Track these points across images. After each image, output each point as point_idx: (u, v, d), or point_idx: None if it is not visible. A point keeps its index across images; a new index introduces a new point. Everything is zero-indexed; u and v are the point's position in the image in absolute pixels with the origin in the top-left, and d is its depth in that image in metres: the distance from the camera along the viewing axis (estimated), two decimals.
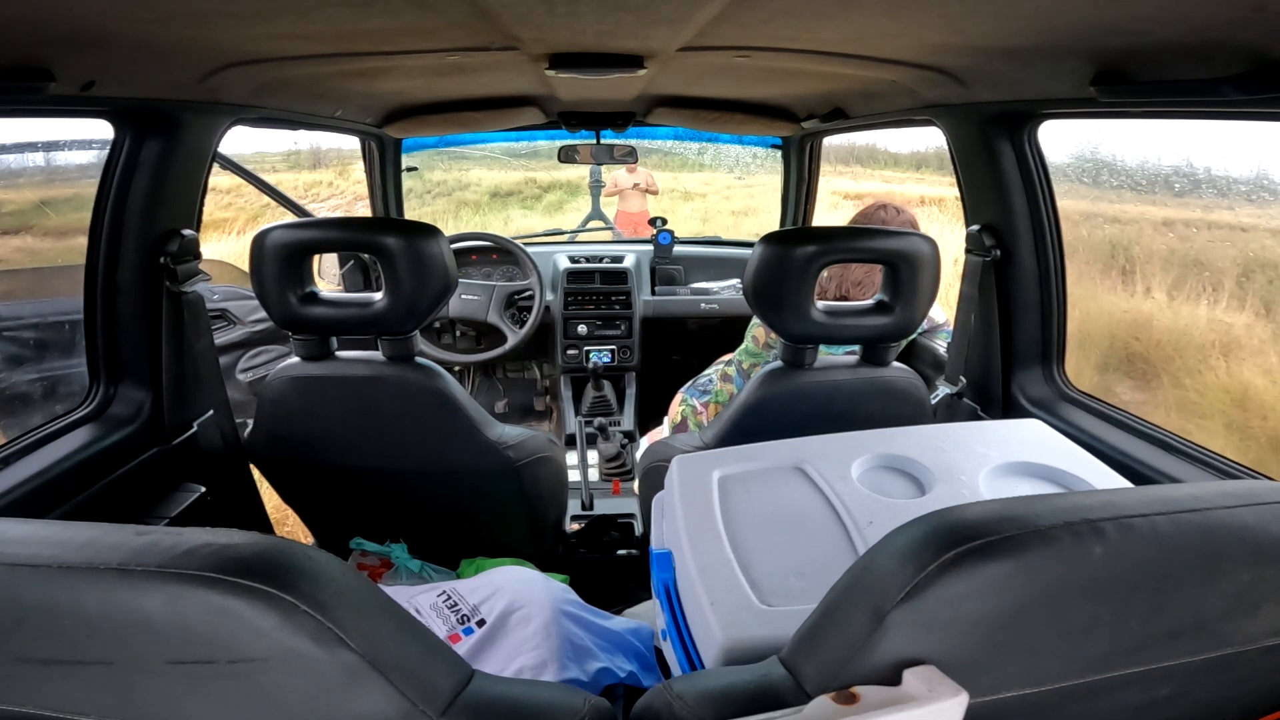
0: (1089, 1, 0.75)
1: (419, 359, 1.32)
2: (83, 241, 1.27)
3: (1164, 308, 2.51)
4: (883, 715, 0.45)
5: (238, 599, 0.41)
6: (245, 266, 1.25)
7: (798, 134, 2.35)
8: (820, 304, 1.22)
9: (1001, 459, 0.97)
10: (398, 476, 1.43)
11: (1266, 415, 2.10)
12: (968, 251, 1.50)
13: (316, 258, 2.29)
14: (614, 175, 5.50)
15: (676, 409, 1.91)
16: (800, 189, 2.69)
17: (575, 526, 1.92)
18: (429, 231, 1.21)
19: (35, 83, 0.89)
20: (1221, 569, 0.48)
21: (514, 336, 2.45)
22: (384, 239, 1.18)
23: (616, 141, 2.72)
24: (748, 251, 1.59)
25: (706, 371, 1.99)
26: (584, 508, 1.94)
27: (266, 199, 2.41)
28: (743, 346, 1.74)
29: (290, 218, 2.16)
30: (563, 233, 3.63)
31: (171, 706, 0.44)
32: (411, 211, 2.83)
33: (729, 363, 1.79)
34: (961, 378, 1.57)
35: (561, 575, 1.53)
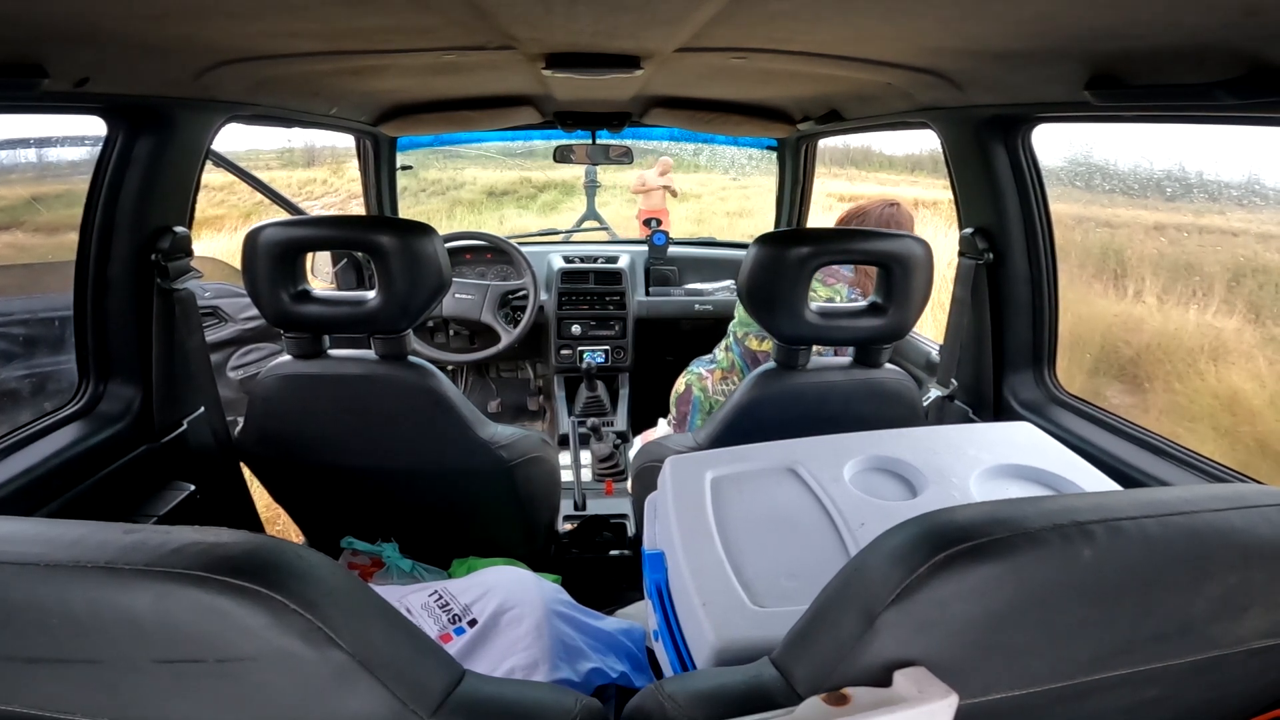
0: (1084, 6, 0.76)
1: (412, 358, 1.32)
2: (73, 238, 1.26)
3: (1154, 312, 2.53)
4: (873, 716, 0.45)
5: (227, 598, 0.41)
6: (238, 264, 1.25)
7: (793, 135, 2.36)
8: (814, 305, 1.22)
9: (992, 461, 0.97)
10: (390, 476, 1.43)
11: (1254, 419, 2.12)
12: (961, 254, 1.50)
13: (309, 256, 2.28)
14: (643, 174, 5.59)
15: (681, 381, 1.92)
16: (795, 190, 2.69)
17: (568, 527, 1.92)
18: (423, 230, 1.20)
19: (28, 79, 0.88)
20: (1209, 571, 0.49)
21: (508, 336, 2.45)
22: (378, 237, 1.17)
23: (612, 142, 2.72)
24: (742, 253, 1.59)
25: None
26: (577, 508, 1.94)
27: (260, 196, 2.40)
28: (735, 320, 1.80)
29: (284, 215, 2.15)
30: (557, 232, 3.63)
31: (159, 705, 0.44)
32: (406, 210, 2.82)
33: (727, 334, 1.85)
34: (953, 380, 1.57)
35: (554, 575, 1.52)
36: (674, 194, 5.70)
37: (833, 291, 1.70)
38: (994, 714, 0.50)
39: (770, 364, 1.31)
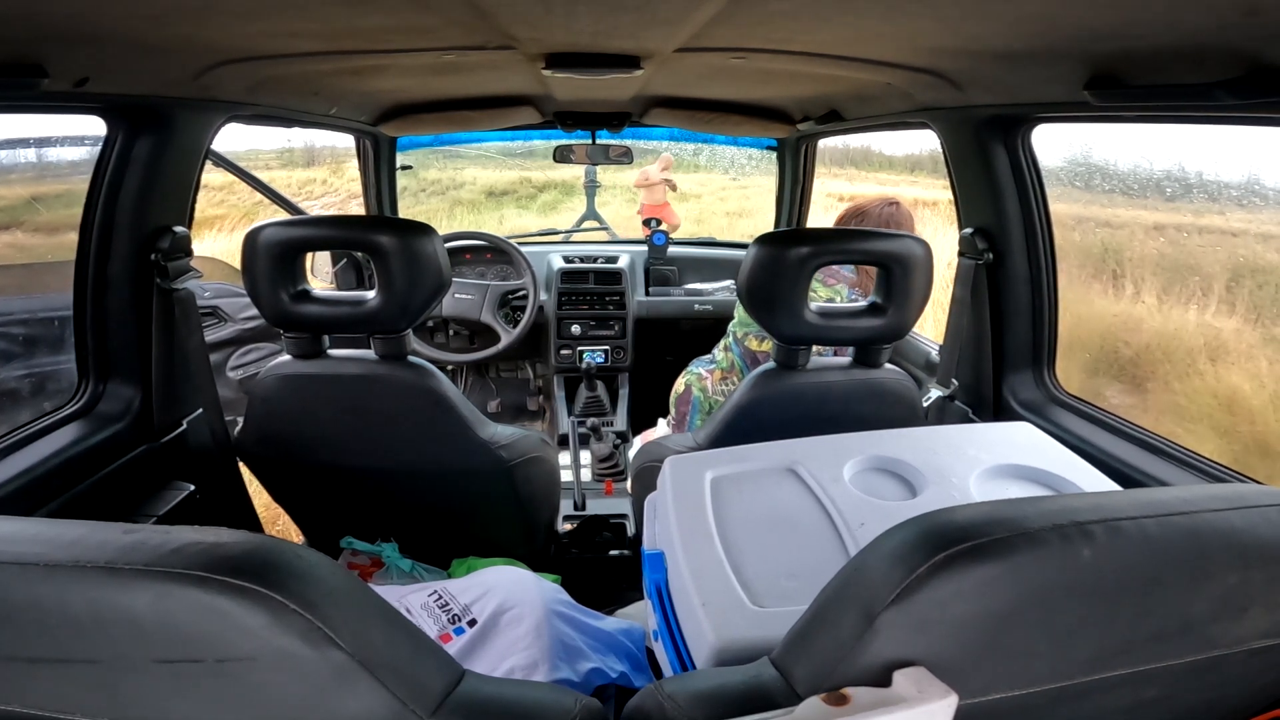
0: (1084, 6, 0.76)
1: (412, 358, 1.32)
2: (73, 237, 1.26)
3: (1154, 312, 2.53)
4: (873, 716, 0.45)
5: (226, 598, 0.41)
6: (238, 264, 1.25)
7: (793, 135, 2.36)
8: (813, 305, 1.22)
9: (992, 461, 0.97)
10: (389, 476, 1.43)
11: (1253, 419, 2.12)
12: (960, 254, 1.50)
13: (309, 256, 2.28)
14: (645, 170, 5.62)
15: (681, 381, 1.93)
16: (795, 190, 2.69)
17: (567, 527, 1.92)
18: (423, 230, 1.20)
19: (28, 79, 0.88)
20: (1209, 572, 0.49)
21: (507, 336, 2.45)
22: (378, 237, 1.17)
23: (612, 142, 2.72)
24: (742, 253, 1.59)
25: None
26: (576, 508, 1.94)
27: (259, 196, 2.40)
28: (735, 320, 1.80)
29: (283, 215, 2.15)
30: (557, 232, 3.62)
31: (159, 705, 0.44)
32: (406, 210, 2.82)
33: (726, 334, 1.85)
34: (953, 380, 1.57)
35: (553, 575, 1.52)
36: (673, 188, 5.80)
37: (833, 292, 1.70)
38: (994, 714, 0.50)
39: (770, 364, 1.31)
